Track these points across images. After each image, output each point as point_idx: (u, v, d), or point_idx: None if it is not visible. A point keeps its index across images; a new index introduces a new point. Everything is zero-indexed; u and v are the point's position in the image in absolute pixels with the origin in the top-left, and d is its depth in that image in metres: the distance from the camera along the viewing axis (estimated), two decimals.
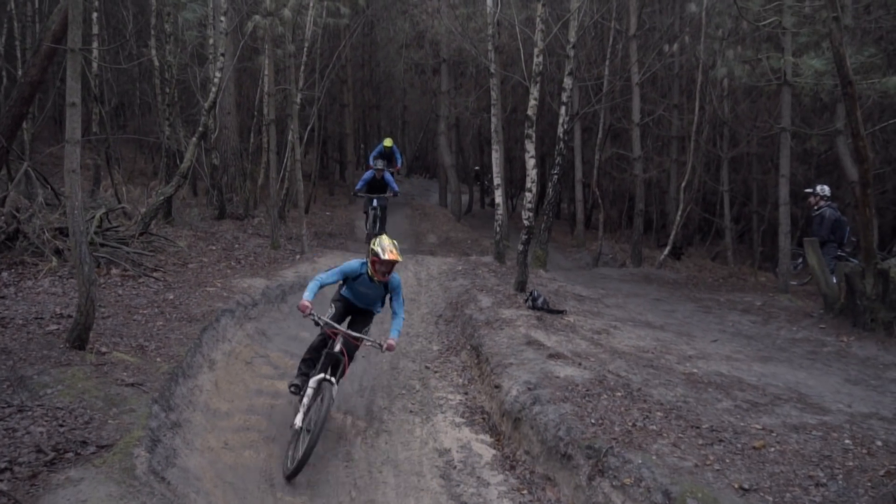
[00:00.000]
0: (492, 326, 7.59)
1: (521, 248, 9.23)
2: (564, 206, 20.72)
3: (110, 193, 12.19)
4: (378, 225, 12.49)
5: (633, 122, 14.53)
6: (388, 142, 14.55)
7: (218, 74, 10.08)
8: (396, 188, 13.08)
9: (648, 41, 16.07)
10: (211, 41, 12.74)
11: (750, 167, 16.61)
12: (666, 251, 13.99)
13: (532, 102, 9.05)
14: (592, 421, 5.03)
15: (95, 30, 12.92)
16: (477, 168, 23.36)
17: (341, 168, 25.68)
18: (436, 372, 7.27)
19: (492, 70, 11.48)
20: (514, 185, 22.76)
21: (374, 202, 12.68)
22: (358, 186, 12.91)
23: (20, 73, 14.11)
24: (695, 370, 6.24)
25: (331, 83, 18.14)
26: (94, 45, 12.66)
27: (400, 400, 6.62)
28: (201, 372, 6.13)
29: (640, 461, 4.38)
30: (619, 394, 5.51)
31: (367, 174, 13.00)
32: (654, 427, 4.86)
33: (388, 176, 12.98)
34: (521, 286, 9.15)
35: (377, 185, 12.96)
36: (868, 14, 11.68)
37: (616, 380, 5.82)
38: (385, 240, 5.62)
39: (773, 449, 4.47)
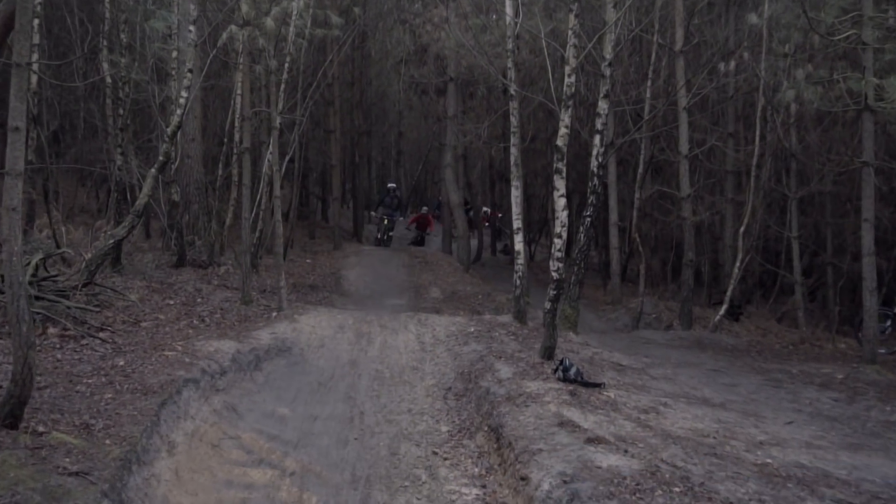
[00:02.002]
0: (514, 403, 7.54)
1: (547, 305, 9.18)
2: (595, 254, 20.77)
3: (46, 235, 12.19)
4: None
5: (679, 154, 14.61)
6: None
7: (184, 94, 10.18)
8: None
9: (698, 58, 16.31)
10: (175, 55, 12.87)
11: (823, 209, 16.66)
12: (721, 311, 13.95)
13: (563, 130, 9.05)
14: None
15: (36, 39, 13.10)
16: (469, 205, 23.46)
17: (324, 206, 25.80)
18: (446, 459, 7.17)
19: (511, 91, 11.53)
20: (532, 227, 22.73)
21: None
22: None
23: None
24: (768, 460, 6.14)
25: (314, 105, 18.23)
26: (35, 56, 12.84)
27: (402, 494, 6.49)
28: (159, 457, 6.03)
29: None
30: (676, 489, 5.38)
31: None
32: None
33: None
34: (548, 353, 9.11)
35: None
36: None
37: (672, 471, 5.70)
38: None
39: None
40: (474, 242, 21.28)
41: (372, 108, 27.53)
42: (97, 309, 9.08)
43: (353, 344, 9.93)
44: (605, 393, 8.05)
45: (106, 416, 6.11)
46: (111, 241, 9.95)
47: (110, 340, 8.25)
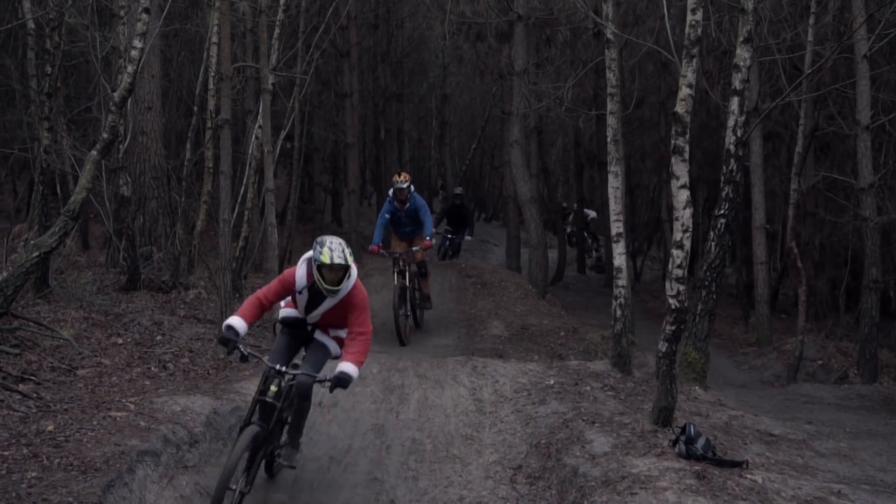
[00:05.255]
0: (615, 490, 6.87)
1: (663, 347, 8.01)
2: (731, 273, 19.27)
3: None
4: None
5: (857, 125, 12.96)
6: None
7: (137, 44, 9.10)
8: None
9: None
10: None
11: None
12: None
13: (684, 91, 7.77)
14: None
15: None
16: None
17: (335, 202, 23.96)
18: None
19: (608, 35, 10.34)
20: (638, 233, 21.69)
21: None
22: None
23: None
24: None
25: (322, 58, 17.28)
26: None
27: None
28: None
29: None
30: None
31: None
32: None
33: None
34: (664, 416, 8.11)
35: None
36: None
37: None
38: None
39: None
40: (552, 253, 19.64)
41: (404, 62, 25.45)
42: (15, 351, 8.41)
43: (380, 402, 9.08)
44: (748, 476, 7.24)
45: (29, 503, 5.74)
46: (35, 255, 9.00)
47: (35, 395, 7.74)
